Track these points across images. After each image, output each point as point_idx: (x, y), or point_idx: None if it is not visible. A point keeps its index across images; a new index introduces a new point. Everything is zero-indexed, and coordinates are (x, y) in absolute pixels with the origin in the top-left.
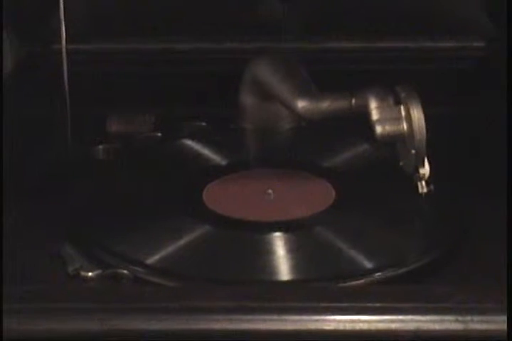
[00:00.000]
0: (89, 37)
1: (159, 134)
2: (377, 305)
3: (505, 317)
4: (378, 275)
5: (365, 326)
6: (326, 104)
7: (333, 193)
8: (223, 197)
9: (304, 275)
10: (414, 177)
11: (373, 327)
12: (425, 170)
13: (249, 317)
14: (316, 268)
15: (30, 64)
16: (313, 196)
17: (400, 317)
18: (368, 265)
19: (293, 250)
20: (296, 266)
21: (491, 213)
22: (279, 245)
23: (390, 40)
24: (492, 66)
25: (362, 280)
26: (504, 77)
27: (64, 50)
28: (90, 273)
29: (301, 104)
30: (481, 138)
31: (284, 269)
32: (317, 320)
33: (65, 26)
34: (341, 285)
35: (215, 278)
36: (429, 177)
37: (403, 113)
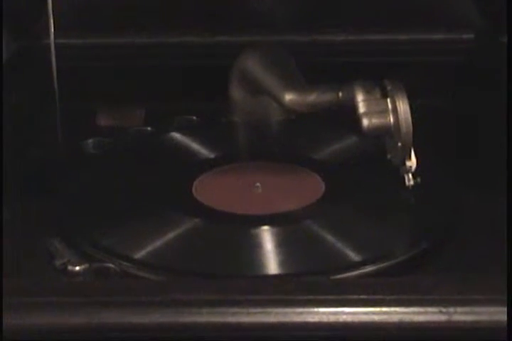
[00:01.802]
0: (79, 32)
1: (149, 128)
2: (361, 297)
3: (488, 309)
4: (367, 268)
5: (348, 318)
6: (313, 97)
7: (323, 186)
8: (213, 191)
9: (293, 269)
10: (401, 169)
11: (357, 319)
12: (412, 162)
13: (234, 310)
14: (305, 261)
15: (20, 59)
16: (303, 189)
17: (384, 309)
18: (357, 258)
19: (281, 243)
20: (284, 259)
21: (479, 205)
22: (268, 239)
23: (379, 32)
24: (481, 58)
25: (350, 274)
26: (493, 69)
27: (52, 44)
28: (78, 268)
29: (288, 96)
30: (470, 130)
31: (272, 263)
32: (301, 313)
33: (54, 21)
34: (330, 278)
35: (203, 272)
36: (416, 169)
37: (390, 106)
